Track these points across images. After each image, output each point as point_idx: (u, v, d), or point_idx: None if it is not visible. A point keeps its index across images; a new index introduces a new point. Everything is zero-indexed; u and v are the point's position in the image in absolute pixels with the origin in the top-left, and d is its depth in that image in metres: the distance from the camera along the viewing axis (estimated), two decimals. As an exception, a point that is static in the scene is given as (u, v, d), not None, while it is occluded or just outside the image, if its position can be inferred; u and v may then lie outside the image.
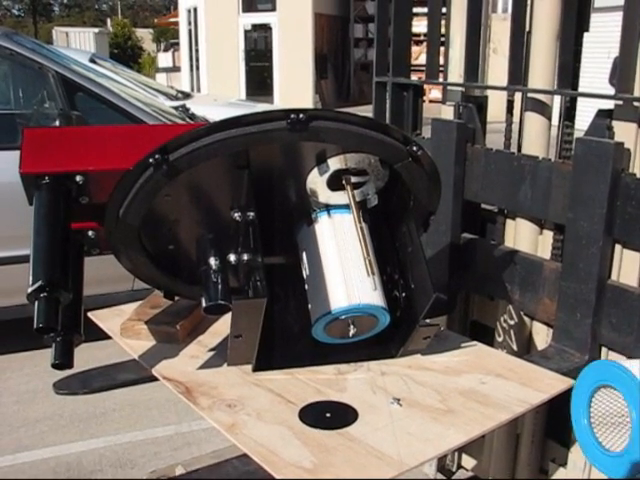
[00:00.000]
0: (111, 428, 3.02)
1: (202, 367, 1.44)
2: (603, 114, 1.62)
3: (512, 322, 1.90)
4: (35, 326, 1.14)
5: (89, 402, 3.18)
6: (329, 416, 1.25)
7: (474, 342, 1.57)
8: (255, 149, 1.27)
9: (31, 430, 3.01)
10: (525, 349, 1.89)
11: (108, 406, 3.18)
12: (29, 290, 1.16)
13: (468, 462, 2.21)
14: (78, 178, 1.34)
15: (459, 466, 2.26)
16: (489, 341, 1.83)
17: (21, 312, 3.33)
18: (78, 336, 1.29)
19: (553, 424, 1.88)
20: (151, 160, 1.21)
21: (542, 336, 1.85)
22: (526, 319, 1.89)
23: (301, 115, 1.21)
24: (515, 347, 1.90)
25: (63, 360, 1.25)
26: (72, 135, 1.48)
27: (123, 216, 1.30)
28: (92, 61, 7.08)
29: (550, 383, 1.41)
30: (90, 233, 1.42)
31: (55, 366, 1.25)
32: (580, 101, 1.82)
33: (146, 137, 1.46)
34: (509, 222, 1.95)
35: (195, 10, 16.57)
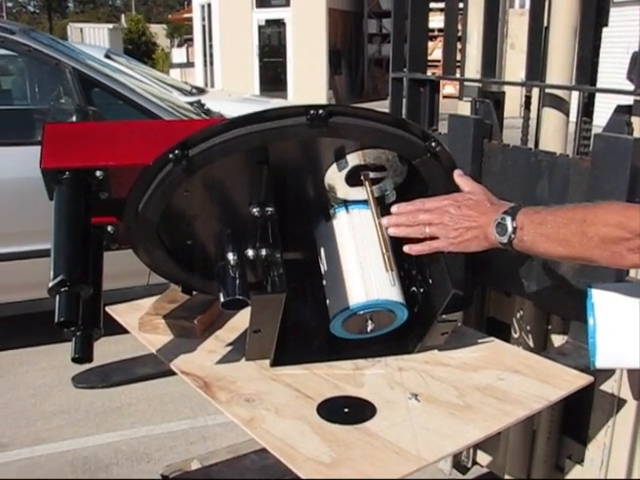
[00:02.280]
0: (127, 422, 3.04)
1: (220, 362, 1.45)
2: (622, 110, 1.60)
3: (529, 318, 1.89)
4: (56, 320, 1.15)
5: (105, 396, 3.21)
6: (347, 411, 1.26)
7: (491, 338, 1.57)
8: (274, 144, 1.27)
9: (48, 423, 3.04)
10: (542, 346, 1.88)
11: (124, 400, 3.20)
12: (50, 284, 1.17)
13: (483, 458, 2.21)
14: (98, 173, 1.34)
15: (474, 462, 2.26)
16: (505, 337, 1.83)
17: (36, 306, 3.36)
18: (98, 330, 1.30)
19: (569, 421, 1.88)
20: (171, 155, 1.22)
21: (559, 333, 1.84)
22: (543, 315, 1.88)
23: (320, 111, 1.21)
24: (532, 343, 1.89)
25: (83, 354, 1.26)
26: (92, 130, 1.49)
27: (142, 211, 1.30)
28: (107, 57, 7.11)
29: (568, 380, 1.40)
30: (109, 228, 1.43)
31: (75, 360, 1.26)
32: (598, 97, 1.81)
33: (165, 133, 1.46)
34: (526, 218, 1.94)
35: (209, 6, 16.60)
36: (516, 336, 1.94)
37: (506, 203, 1.29)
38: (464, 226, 1.29)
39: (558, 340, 1.84)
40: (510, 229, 1.21)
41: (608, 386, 1.69)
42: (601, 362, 1.31)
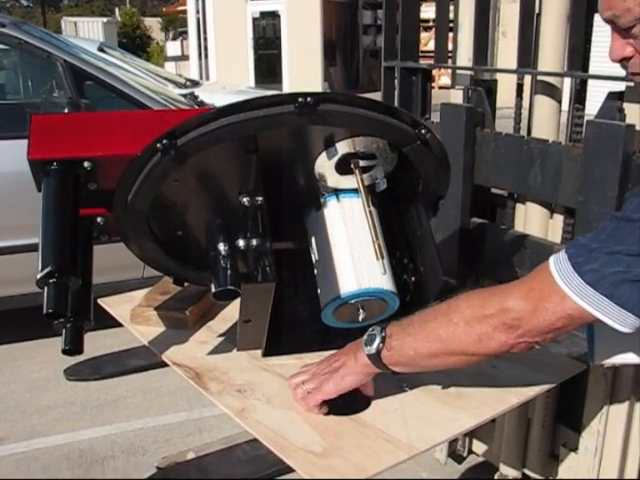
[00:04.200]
0: (123, 415, 3.04)
1: (212, 352, 1.45)
2: (614, 96, 1.60)
3: (522, 307, 1.89)
4: (44, 311, 1.14)
5: (101, 389, 3.20)
6: (342, 402, 1.24)
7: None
8: (263, 133, 1.26)
9: (44, 417, 3.03)
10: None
11: (120, 393, 3.20)
12: (38, 276, 1.16)
13: (479, 447, 2.21)
14: (86, 164, 1.33)
15: (470, 451, 2.26)
16: (499, 326, 1.82)
17: (32, 300, 3.35)
18: (88, 322, 1.29)
19: (564, 409, 1.88)
20: (159, 145, 1.21)
21: (553, 321, 1.84)
22: (536, 304, 1.88)
23: (309, 98, 1.20)
24: (525, 332, 1.89)
25: (73, 346, 1.25)
26: (80, 121, 1.48)
27: (131, 202, 1.29)
28: (101, 50, 7.08)
29: (561, 367, 1.40)
30: (99, 219, 1.42)
31: (65, 352, 1.25)
32: (590, 84, 1.81)
33: (154, 122, 1.45)
34: (519, 206, 1.94)
35: (203, -2, 16.53)
36: (510, 325, 1.94)
37: None
38: (332, 367, 1.21)
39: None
40: (378, 338, 1.15)
41: (602, 374, 1.68)
42: (599, 358, 1.31)
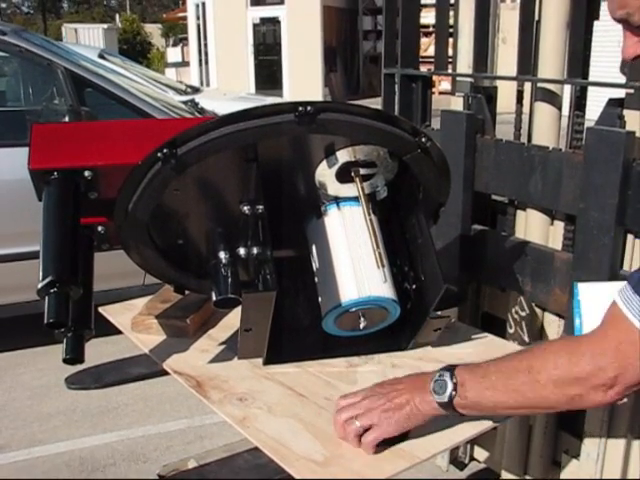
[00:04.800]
0: (124, 422, 3.03)
1: (213, 361, 1.44)
2: (614, 103, 1.60)
3: (523, 313, 1.89)
4: (45, 321, 1.14)
5: (102, 397, 3.20)
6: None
7: (485, 334, 1.56)
8: (263, 142, 1.26)
9: (45, 425, 3.03)
10: (536, 340, 1.88)
11: (121, 400, 3.19)
12: (39, 286, 1.16)
13: (480, 454, 2.21)
14: (87, 173, 1.33)
15: (471, 458, 2.26)
16: (500, 333, 1.82)
17: (34, 308, 3.35)
18: (89, 331, 1.29)
19: (565, 415, 1.88)
20: (159, 154, 1.21)
21: (554, 327, 1.84)
22: (537, 310, 1.88)
23: (309, 107, 1.20)
24: (527, 338, 1.89)
25: (74, 355, 1.25)
26: (80, 130, 1.48)
27: (132, 211, 1.29)
28: (101, 57, 7.10)
29: (562, 374, 1.39)
30: (99, 228, 1.43)
31: (66, 361, 1.25)
32: (591, 90, 1.81)
33: (155, 131, 1.45)
34: (520, 213, 1.94)
35: (203, 4, 16.57)
36: (511, 331, 1.94)
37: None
38: (394, 404, 1.12)
39: (553, 335, 1.84)
40: (450, 386, 1.08)
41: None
42: None
